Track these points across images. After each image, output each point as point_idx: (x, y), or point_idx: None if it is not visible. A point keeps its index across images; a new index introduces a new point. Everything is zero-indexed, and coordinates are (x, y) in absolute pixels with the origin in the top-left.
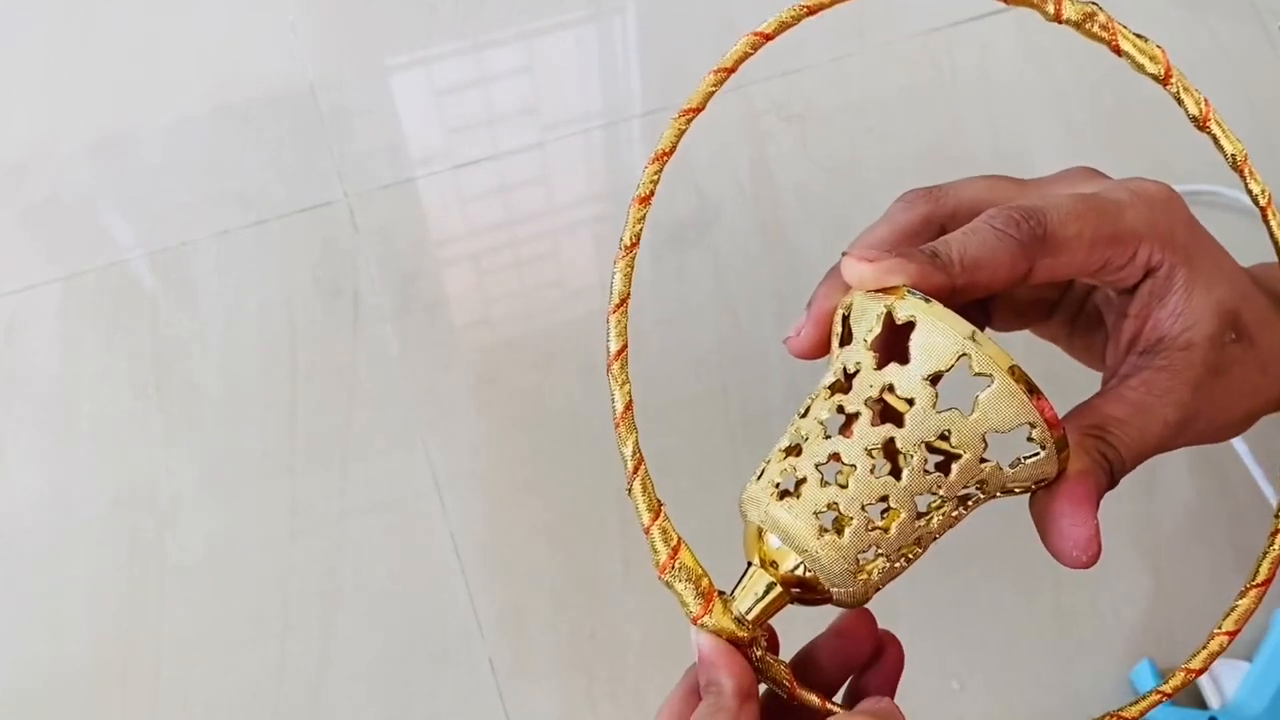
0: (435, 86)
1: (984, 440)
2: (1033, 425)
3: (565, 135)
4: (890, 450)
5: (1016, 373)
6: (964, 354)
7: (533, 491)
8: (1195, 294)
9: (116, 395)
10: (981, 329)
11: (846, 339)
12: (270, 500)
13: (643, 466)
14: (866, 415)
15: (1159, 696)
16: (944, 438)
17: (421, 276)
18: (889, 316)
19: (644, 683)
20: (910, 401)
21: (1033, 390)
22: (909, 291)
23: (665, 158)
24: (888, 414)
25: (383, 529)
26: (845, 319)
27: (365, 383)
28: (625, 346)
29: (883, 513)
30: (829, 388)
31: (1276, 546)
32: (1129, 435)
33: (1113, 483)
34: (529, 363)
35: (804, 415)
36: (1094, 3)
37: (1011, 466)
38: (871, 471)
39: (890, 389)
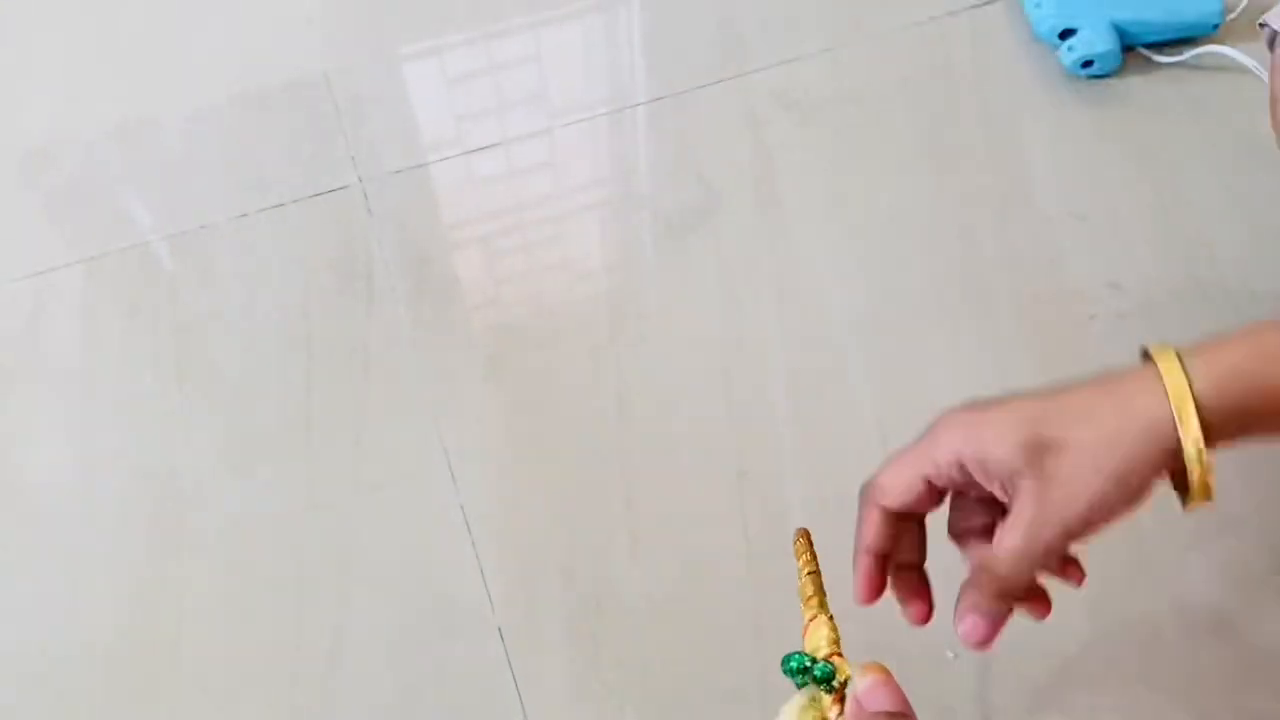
0: (446, 75)
1: None
2: None
3: (572, 122)
4: None
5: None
6: None
7: (541, 467)
8: (995, 453)
9: (137, 374)
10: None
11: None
12: (286, 475)
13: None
14: None
15: None
16: None
17: (433, 259)
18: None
19: (650, 652)
20: None
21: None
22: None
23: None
24: None
25: (396, 503)
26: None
27: (379, 362)
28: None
29: None
30: None
31: None
32: (996, 565)
33: (1005, 600)
34: (538, 342)
35: None
36: None
37: None
38: None
39: None
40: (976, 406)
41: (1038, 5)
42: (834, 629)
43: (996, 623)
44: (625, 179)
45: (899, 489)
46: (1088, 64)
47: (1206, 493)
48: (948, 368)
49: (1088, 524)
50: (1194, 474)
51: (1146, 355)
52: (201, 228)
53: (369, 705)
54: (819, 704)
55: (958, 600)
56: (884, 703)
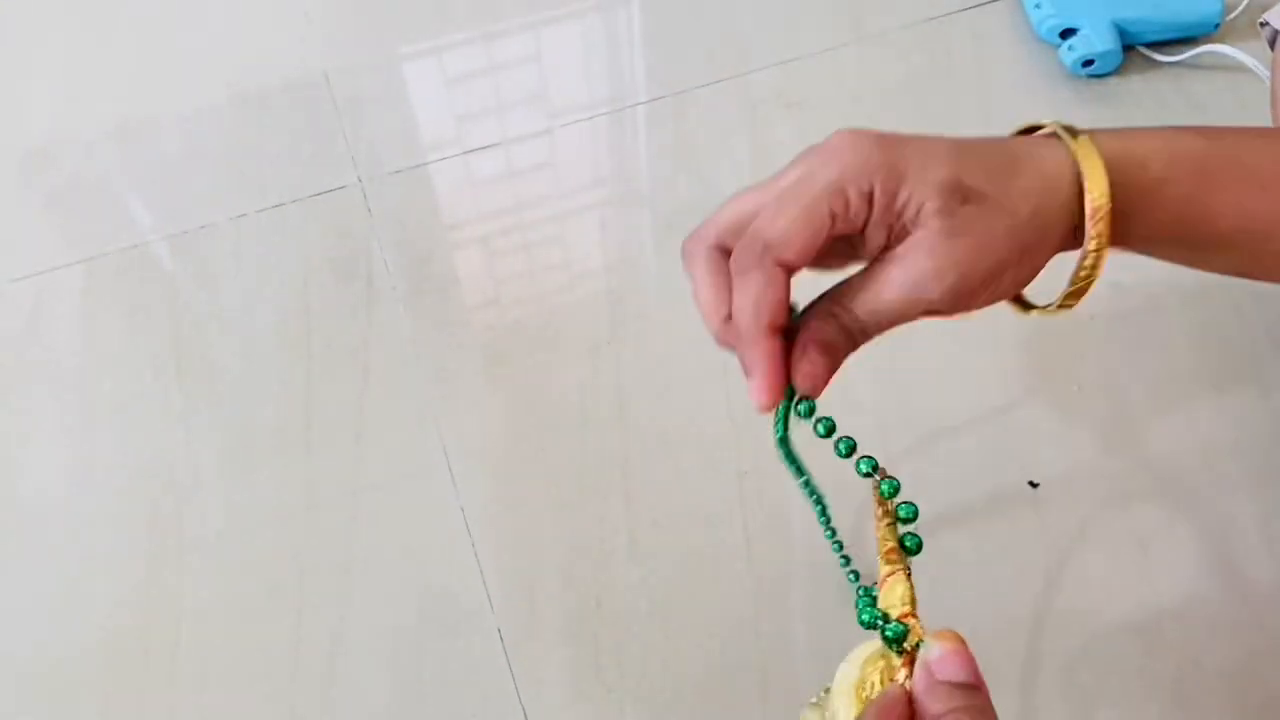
0: (446, 75)
1: None
2: None
3: (572, 122)
4: None
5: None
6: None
7: (541, 467)
8: (912, 184)
9: (137, 374)
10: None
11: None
12: (286, 475)
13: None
14: None
15: None
16: None
17: (433, 259)
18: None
19: (648, 651)
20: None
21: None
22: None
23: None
24: None
25: (395, 503)
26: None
27: (378, 361)
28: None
29: None
30: None
31: None
32: (860, 304)
33: (853, 343)
34: (537, 342)
35: None
36: None
37: None
38: None
39: None
40: (876, 133)
41: (1038, 5)
42: (911, 587)
43: (836, 366)
44: (625, 179)
45: (805, 236)
46: (1088, 63)
47: (1091, 276)
48: (947, 367)
49: (980, 289)
50: (1082, 266)
51: (1056, 135)
52: (201, 228)
53: (369, 705)
54: (889, 660)
55: (801, 334)
56: (956, 672)
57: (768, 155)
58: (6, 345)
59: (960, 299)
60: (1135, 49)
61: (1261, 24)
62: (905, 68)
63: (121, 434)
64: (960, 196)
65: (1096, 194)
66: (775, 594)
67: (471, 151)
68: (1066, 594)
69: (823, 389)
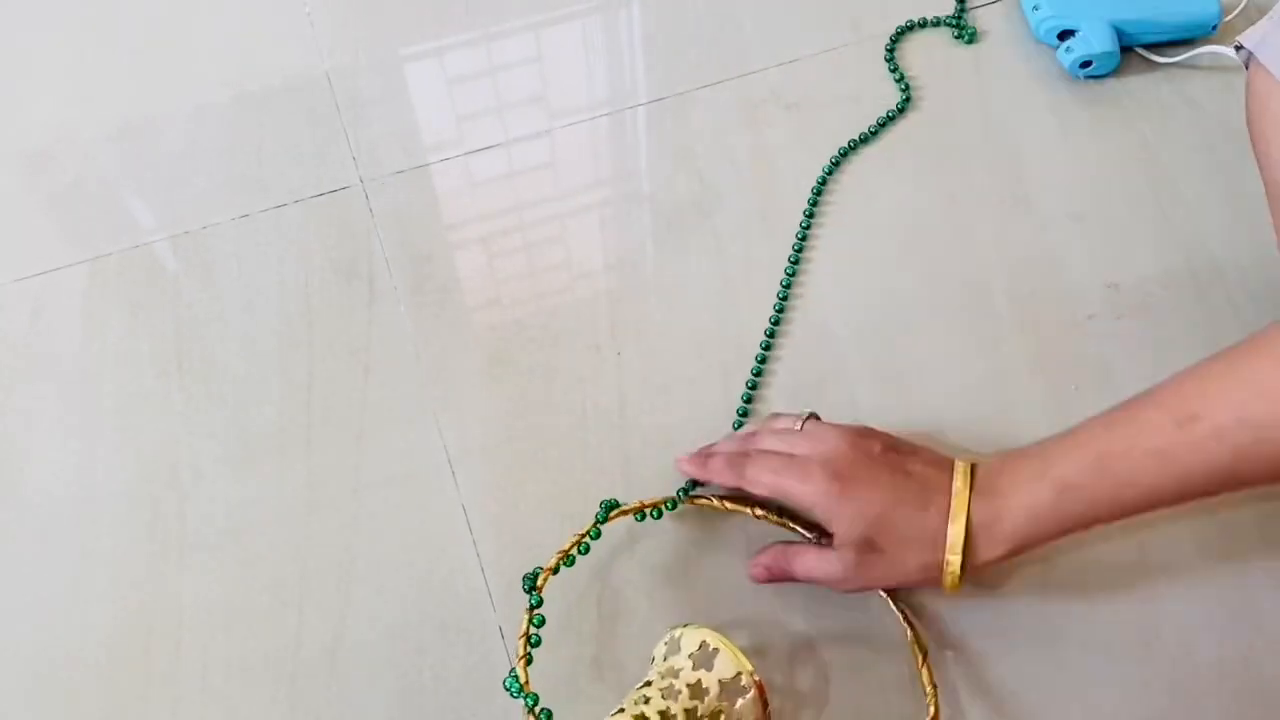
0: (447, 75)
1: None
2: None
3: (572, 123)
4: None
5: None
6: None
7: (542, 466)
8: (841, 530)
9: (139, 374)
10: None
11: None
12: (288, 475)
13: None
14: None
15: None
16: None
17: (434, 259)
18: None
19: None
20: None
21: (759, 686)
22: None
23: None
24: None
25: (397, 502)
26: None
27: (380, 361)
28: None
29: None
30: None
31: None
32: (800, 563)
33: (781, 575)
34: (538, 342)
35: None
36: None
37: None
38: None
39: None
40: (844, 477)
41: (1036, 7)
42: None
43: (774, 580)
44: (625, 179)
45: (758, 490)
46: (1086, 64)
47: (956, 587)
48: (946, 367)
49: (862, 588)
50: (946, 587)
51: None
52: (203, 228)
53: (369, 705)
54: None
55: (763, 550)
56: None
57: (767, 155)
58: (8, 345)
59: (854, 593)
60: (1133, 50)
61: (1237, 47)
62: (905, 68)
63: (123, 433)
64: (867, 548)
65: (953, 562)
66: (776, 593)
67: (472, 152)
68: (1066, 594)
69: (764, 582)
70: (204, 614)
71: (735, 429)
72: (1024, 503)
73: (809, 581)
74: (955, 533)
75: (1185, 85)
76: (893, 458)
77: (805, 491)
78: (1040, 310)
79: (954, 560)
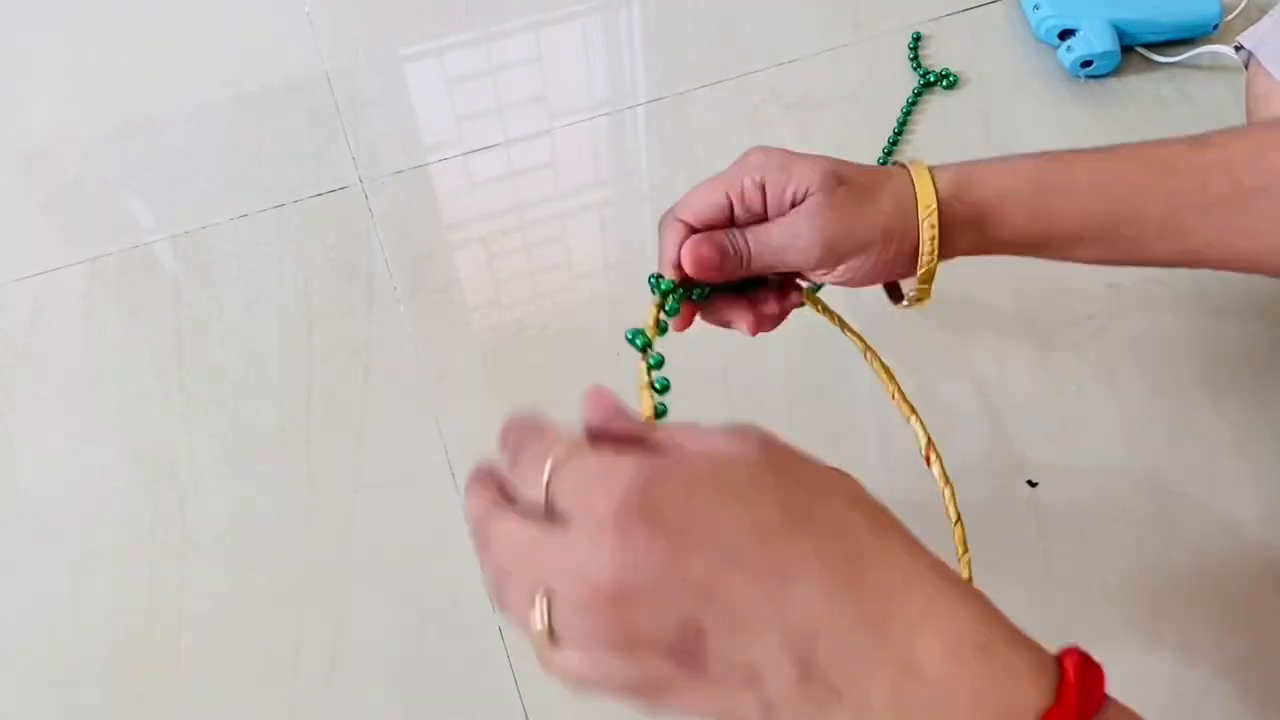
0: (447, 75)
1: None
2: None
3: (572, 123)
4: None
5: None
6: None
7: None
8: (798, 177)
9: (139, 373)
10: None
11: None
12: (288, 475)
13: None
14: None
15: None
16: None
17: (434, 258)
18: None
19: None
20: None
21: None
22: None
23: None
24: None
25: (397, 502)
26: None
27: (379, 361)
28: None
29: None
30: None
31: None
32: (753, 235)
33: (736, 262)
34: (537, 341)
35: None
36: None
37: None
38: None
39: None
40: (780, 148)
41: (1036, 6)
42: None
43: (717, 265)
44: (625, 179)
45: (706, 205)
46: (1087, 64)
47: (929, 277)
48: (946, 368)
49: (848, 253)
50: (923, 253)
51: (903, 166)
52: (203, 228)
53: (369, 705)
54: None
55: (702, 235)
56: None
57: None
58: (8, 345)
59: (830, 254)
60: (1134, 50)
61: (1237, 47)
62: (905, 68)
63: (123, 434)
64: (836, 180)
65: (925, 199)
66: None
67: (472, 152)
68: (1065, 594)
69: (705, 273)
70: (204, 613)
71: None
72: (1004, 162)
73: (769, 261)
74: (919, 172)
75: (1186, 85)
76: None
77: (747, 167)
78: (1040, 310)
79: (927, 200)
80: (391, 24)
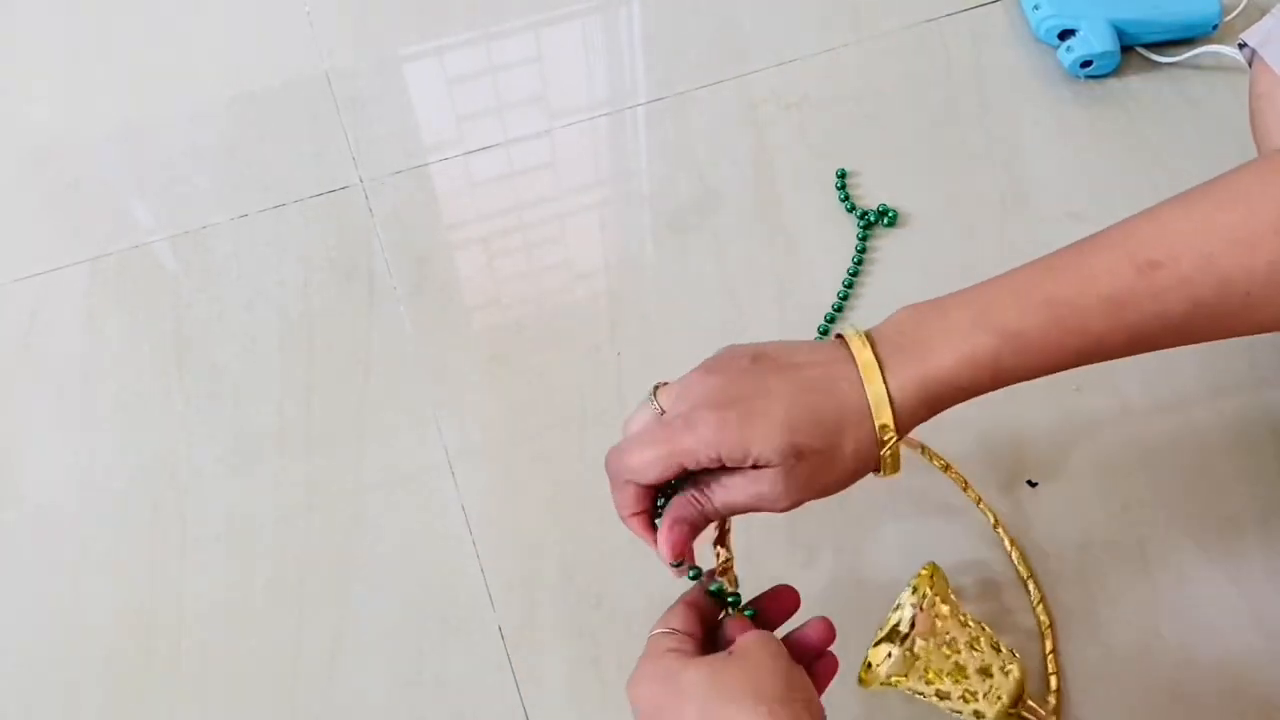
0: (447, 75)
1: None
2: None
3: (572, 123)
4: None
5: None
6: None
7: (541, 465)
8: (756, 452)
9: (139, 373)
10: None
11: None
12: (287, 474)
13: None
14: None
15: None
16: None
17: (434, 258)
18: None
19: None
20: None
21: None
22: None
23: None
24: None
25: (396, 502)
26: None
27: (379, 361)
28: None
29: None
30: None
31: None
32: (717, 498)
33: (706, 522)
34: (537, 341)
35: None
36: None
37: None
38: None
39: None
40: (730, 402)
41: (1036, 7)
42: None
43: (694, 536)
44: (625, 179)
45: (653, 472)
46: (1087, 64)
47: (895, 466)
48: None
49: (806, 498)
50: (886, 465)
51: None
52: (203, 228)
53: (369, 705)
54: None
55: (667, 513)
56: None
57: (767, 155)
58: (9, 345)
59: (799, 503)
60: (1134, 50)
61: (1241, 44)
62: (905, 68)
63: (123, 433)
64: (796, 456)
65: (883, 428)
66: None
67: (472, 152)
68: (1065, 594)
69: (683, 553)
70: (204, 612)
71: None
72: (962, 351)
73: (736, 511)
74: (876, 394)
75: (1186, 85)
76: (769, 363)
77: (701, 442)
78: None
79: (888, 424)
80: (391, 24)
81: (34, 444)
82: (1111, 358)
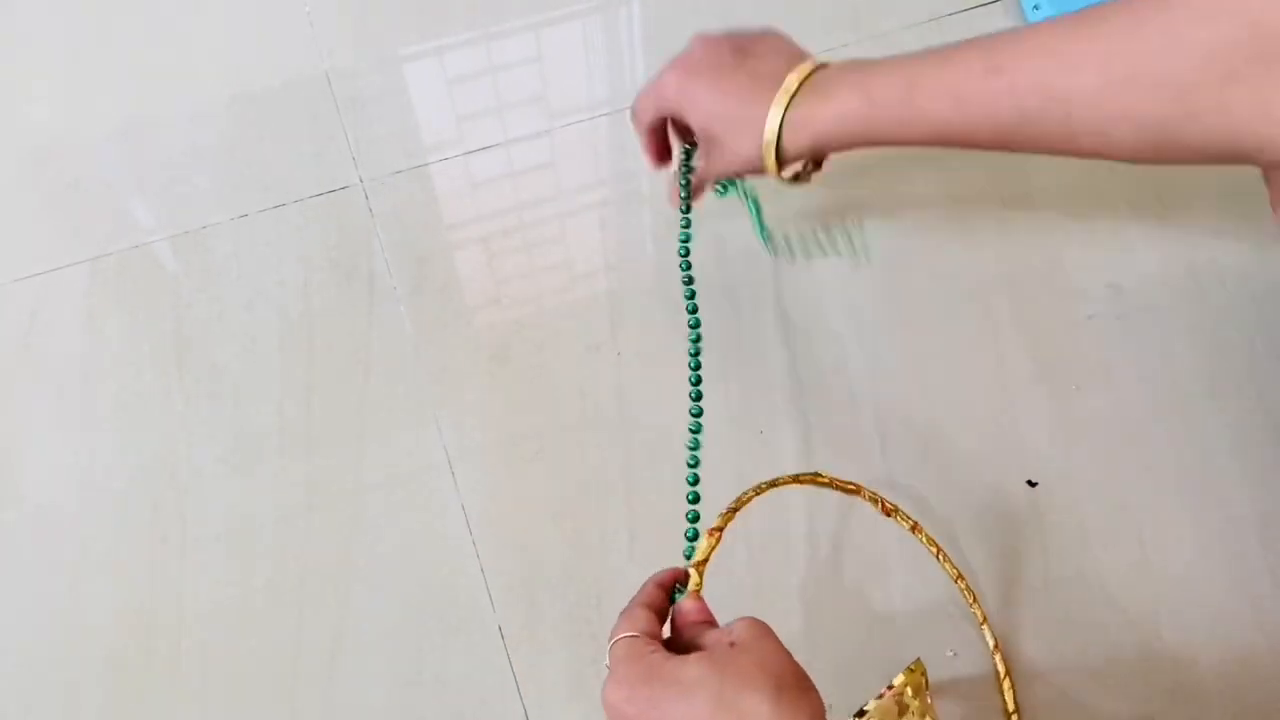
0: (447, 75)
1: None
2: None
3: (572, 123)
4: None
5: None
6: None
7: (541, 466)
8: (695, 125)
9: (139, 373)
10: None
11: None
12: (287, 474)
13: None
14: None
15: None
16: None
17: (434, 259)
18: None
19: None
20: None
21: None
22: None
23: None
24: None
25: (396, 502)
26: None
27: (380, 361)
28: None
29: None
30: None
31: None
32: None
33: (656, 106)
34: (537, 342)
35: None
36: None
37: None
38: None
39: None
40: (690, 77)
41: (1036, 7)
42: (712, 546)
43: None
44: (625, 179)
45: (648, 117)
46: None
47: (777, 174)
48: (946, 366)
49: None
50: (769, 170)
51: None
52: (203, 228)
53: (369, 705)
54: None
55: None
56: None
57: None
58: (9, 345)
59: (717, 176)
60: None
61: None
62: None
63: (123, 433)
64: (710, 142)
65: (769, 145)
66: (774, 593)
67: (472, 152)
68: (1065, 594)
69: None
70: (204, 613)
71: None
72: (836, 107)
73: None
74: (771, 124)
75: None
76: (739, 59)
77: (665, 89)
78: (1040, 310)
79: (770, 143)
80: (391, 24)
81: (34, 444)
82: (964, 147)
